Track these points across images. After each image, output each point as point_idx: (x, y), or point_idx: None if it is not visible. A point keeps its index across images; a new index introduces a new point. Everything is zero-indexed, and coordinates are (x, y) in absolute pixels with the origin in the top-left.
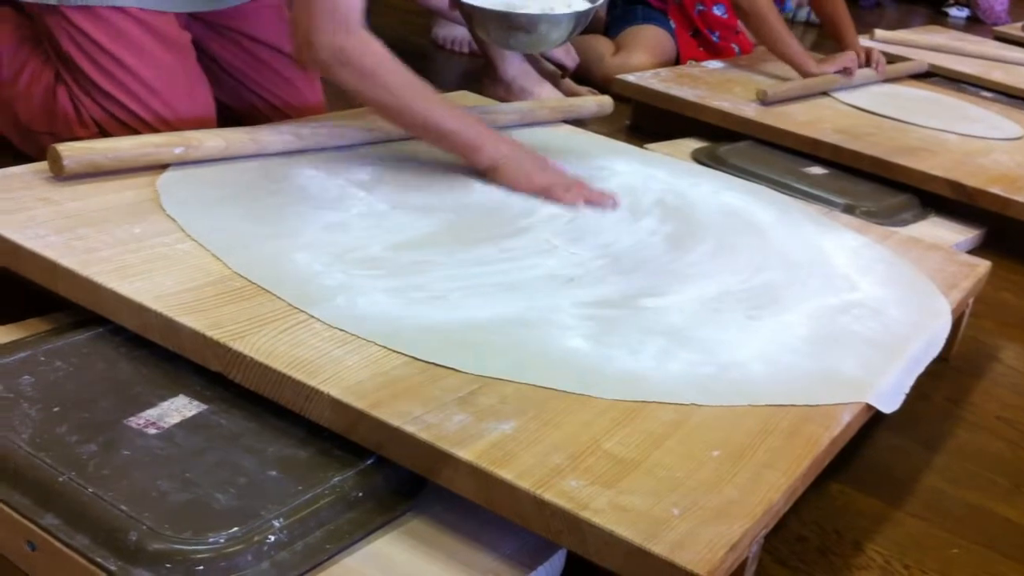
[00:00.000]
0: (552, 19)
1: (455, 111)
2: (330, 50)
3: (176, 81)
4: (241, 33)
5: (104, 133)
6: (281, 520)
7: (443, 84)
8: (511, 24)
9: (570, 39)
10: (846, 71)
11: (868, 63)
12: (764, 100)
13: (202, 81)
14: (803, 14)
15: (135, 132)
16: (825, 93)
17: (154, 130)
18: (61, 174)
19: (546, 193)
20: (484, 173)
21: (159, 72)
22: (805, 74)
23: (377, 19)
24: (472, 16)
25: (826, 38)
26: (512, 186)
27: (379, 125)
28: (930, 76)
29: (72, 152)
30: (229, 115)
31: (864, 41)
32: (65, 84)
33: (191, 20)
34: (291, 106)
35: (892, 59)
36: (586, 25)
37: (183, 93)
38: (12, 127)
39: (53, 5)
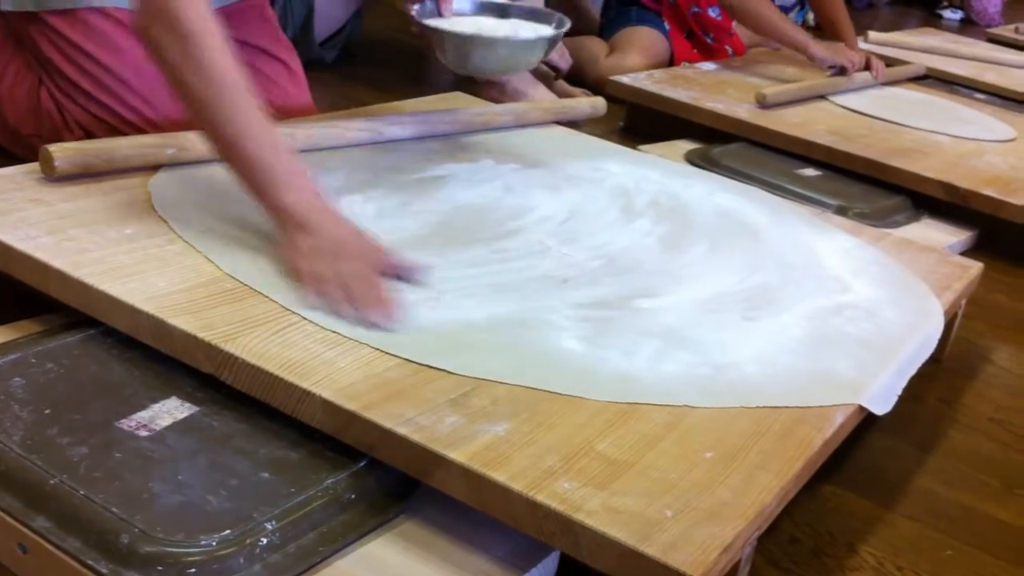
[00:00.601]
0: (516, 43)
1: (274, 137)
2: (157, 7)
3: (159, 80)
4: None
5: (89, 136)
6: (273, 522)
7: (438, 85)
8: (467, 47)
9: (532, 66)
10: (843, 71)
11: (868, 68)
12: (763, 103)
13: None
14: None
15: (120, 133)
16: (823, 96)
17: (138, 130)
18: (52, 175)
19: (311, 289)
20: (275, 236)
21: (140, 72)
22: (808, 55)
23: (376, 20)
24: (431, 37)
25: (823, 39)
26: (285, 263)
27: (371, 127)
28: (924, 78)
29: (64, 153)
30: None
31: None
32: (47, 88)
33: None
34: (278, 107)
35: (889, 62)
36: (546, 55)
37: (167, 92)
38: (0, 129)
39: (32, 12)
